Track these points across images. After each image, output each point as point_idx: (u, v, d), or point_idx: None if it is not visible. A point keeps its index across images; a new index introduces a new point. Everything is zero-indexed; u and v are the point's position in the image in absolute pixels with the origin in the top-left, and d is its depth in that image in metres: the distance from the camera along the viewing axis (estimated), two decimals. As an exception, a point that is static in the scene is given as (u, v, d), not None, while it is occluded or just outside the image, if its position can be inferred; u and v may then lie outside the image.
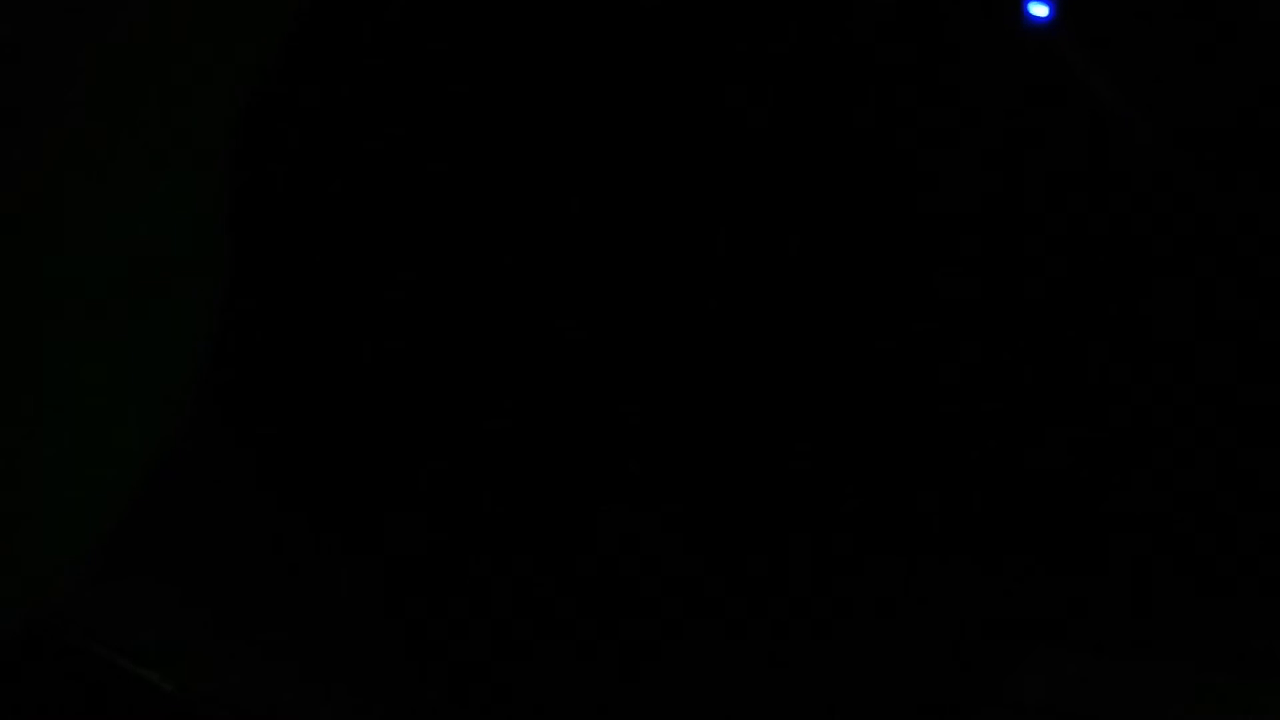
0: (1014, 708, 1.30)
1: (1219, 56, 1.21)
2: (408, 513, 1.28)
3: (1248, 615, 1.27)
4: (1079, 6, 1.22)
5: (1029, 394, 1.28)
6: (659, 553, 1.29)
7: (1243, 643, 1.26)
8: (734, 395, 1.30)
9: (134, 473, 0.97)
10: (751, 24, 1.21)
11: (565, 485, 1.29)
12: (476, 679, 1.26)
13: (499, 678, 1.26)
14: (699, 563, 1.30)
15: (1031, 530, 1.30)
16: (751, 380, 1.30)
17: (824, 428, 1.30)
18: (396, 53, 1.23)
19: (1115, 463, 1.28)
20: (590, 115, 1.24)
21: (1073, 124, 1.23)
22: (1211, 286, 1.25)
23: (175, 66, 0.94)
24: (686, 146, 1.25)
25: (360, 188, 1.25)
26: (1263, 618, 1.27)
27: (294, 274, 1.25)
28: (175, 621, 1.17)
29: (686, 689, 1.27)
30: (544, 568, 1.28)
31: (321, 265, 1.26)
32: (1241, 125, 1.21)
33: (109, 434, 0.96)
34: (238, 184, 0.95)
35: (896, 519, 1.30)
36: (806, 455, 1.30)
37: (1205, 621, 1.28)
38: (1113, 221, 1.24)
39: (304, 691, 1.21)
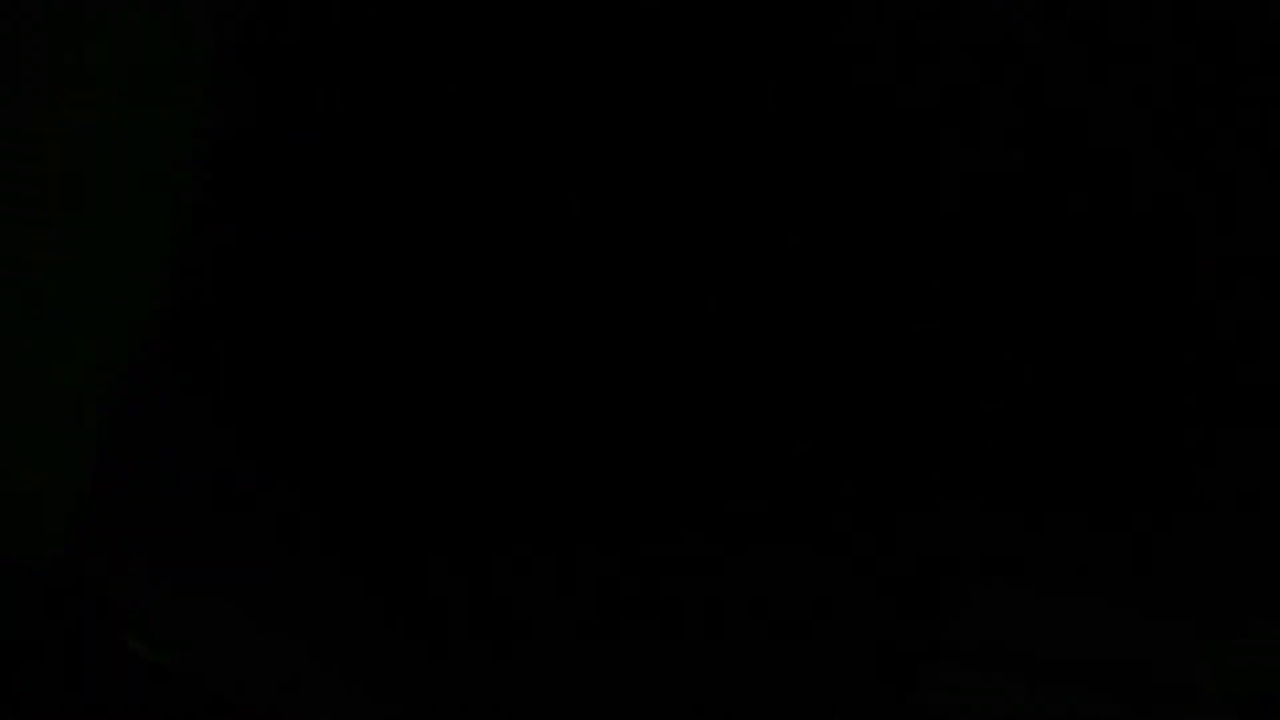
0: (959, 653, 1.31)
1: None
2: (408, 513, 1.28)
3: (1195, 550, 1.29)
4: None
5: (967, 333, 1.28)
6: (659, 552, 1.31)
7: (1189, 577, 1.28)
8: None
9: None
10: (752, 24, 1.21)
11: (565, 484, 1.30)
12: (476, 679, 1.27)
13: (499, 678, 1.27)
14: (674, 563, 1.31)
15: (967, 466, 1.31)
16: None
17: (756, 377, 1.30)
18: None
19: (1058, 398, 1.30)
20: (591, 114, 1.24)
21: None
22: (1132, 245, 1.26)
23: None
24: (686, 146, 1.24)
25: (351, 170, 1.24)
26: (1209, 552, 1.29)
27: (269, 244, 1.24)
28: (173, 613, 1.17)
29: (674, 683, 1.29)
30: (543, 567, 1.29)
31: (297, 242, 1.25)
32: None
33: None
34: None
35: (819, 460, 1.31)
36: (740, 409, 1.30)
37: (1153, 557, 1.29)
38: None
39: (307, 686, 1.22)
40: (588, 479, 1.31)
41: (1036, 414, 1.29)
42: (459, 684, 1.30)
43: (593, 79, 1.21)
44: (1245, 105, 1.15)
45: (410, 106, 1.22)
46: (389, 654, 1.29)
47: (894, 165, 1.22)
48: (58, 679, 1.05)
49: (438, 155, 1.24)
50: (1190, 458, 1.28)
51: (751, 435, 1.31)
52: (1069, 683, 1.31)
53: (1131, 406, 1.27)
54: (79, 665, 1.06)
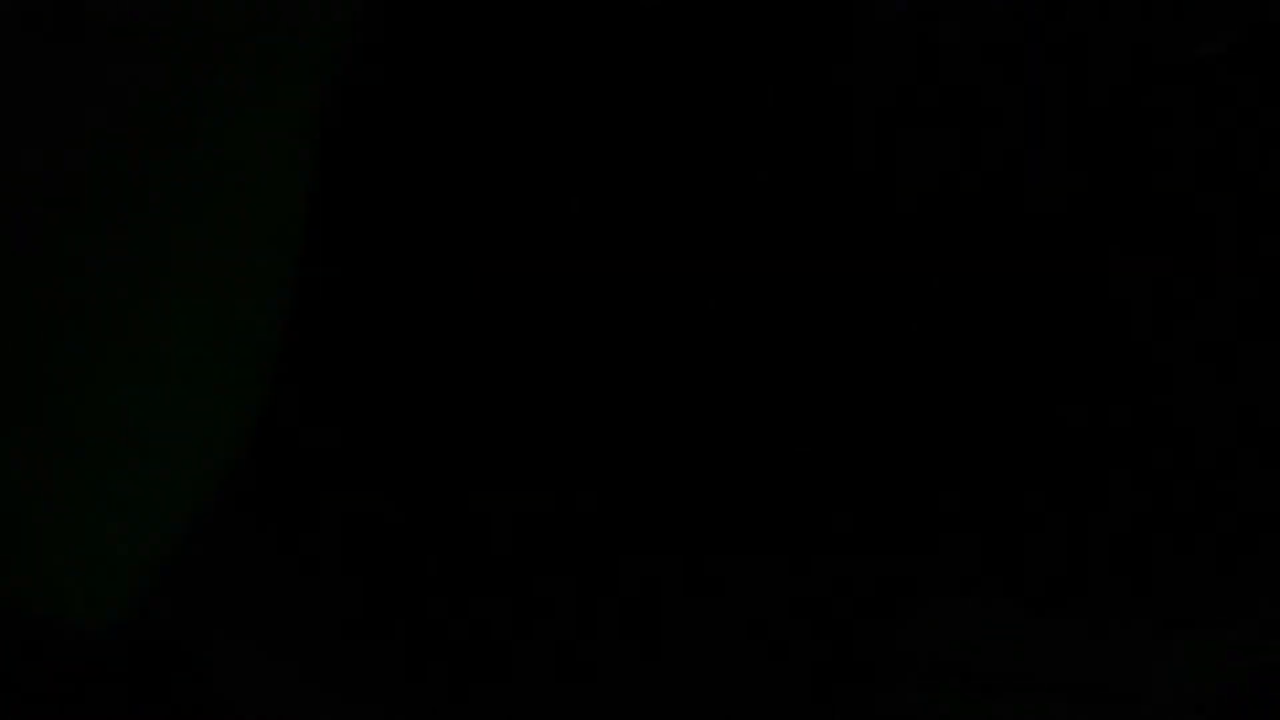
0: (912, 666, 1.33)
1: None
2: (407, 512, 1.26)
3: (1145, 559, 1.32)
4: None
5: (929, 345, 1.29)
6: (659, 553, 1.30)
7: (1136, 586, 1.30)
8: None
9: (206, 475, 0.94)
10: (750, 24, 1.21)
11: (564, 484, 1.29)
12: (476, 680, 1.26)
13: (499, 679, 1.26)
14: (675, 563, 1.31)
15: (917, 478, 1.34)
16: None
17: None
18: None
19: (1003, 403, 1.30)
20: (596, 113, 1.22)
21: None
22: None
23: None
24: (685, 146, 1.23)
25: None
26: (1164, 562, 1.32)
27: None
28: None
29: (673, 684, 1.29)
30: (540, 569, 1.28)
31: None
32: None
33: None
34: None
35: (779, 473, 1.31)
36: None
37: (1107, 569, 1.32)
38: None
39: (303, 691, 1.19)
40: (547, 492, 1.30)
41: (991, 428, 1.30)
42: (438, 700, 1.29)
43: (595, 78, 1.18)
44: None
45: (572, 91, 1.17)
46: (375, 668, 1.27)
47: (870, 170, 1.23)
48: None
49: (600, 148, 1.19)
50: (1137, 469, 1.31)
51: (713, 444, 1.31)
52: (1021, 694, 1.34)
53: (1081, 425, 1.28)
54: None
